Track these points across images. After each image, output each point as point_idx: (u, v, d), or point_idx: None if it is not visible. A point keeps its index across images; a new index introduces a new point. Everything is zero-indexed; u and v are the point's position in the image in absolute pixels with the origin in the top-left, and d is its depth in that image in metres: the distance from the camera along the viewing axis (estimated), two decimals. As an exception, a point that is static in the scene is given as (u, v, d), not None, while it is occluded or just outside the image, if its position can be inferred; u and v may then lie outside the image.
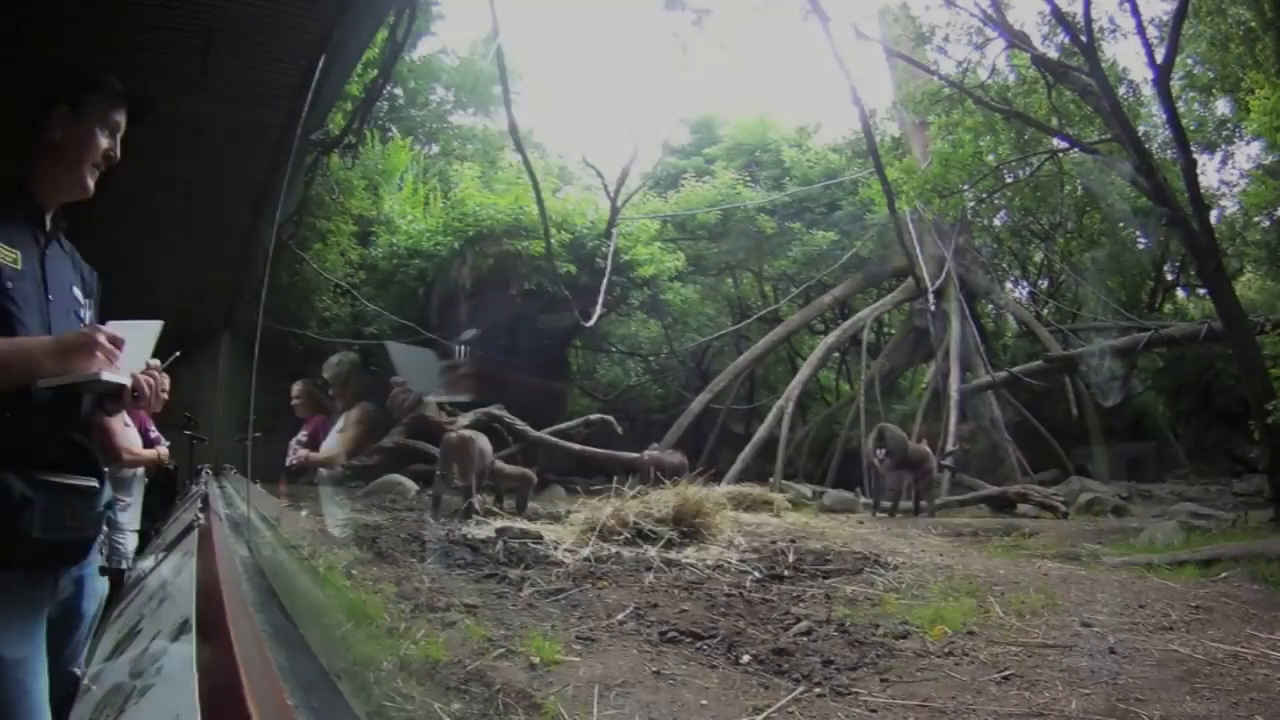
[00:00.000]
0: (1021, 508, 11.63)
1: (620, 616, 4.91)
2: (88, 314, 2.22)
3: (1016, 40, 12.15)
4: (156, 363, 2.08)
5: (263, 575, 3.08)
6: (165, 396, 2.08)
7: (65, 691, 2.10)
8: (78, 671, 2.16)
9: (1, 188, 2.13)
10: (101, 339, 1.88)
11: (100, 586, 2.16)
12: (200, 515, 3.40)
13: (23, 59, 4.75)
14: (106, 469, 2.09)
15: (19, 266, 2.00)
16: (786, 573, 6.33)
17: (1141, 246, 17.99)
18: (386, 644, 3.97)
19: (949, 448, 14.08)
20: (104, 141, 2.19)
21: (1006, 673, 3.89)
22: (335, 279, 16.90)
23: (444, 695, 3.42)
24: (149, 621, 2.20)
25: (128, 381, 1.98)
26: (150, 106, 2.34)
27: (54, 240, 2.18)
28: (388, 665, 3.63)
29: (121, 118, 2.26)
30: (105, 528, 2.21)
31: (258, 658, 1.70)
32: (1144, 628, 4.77)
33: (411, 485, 12.82)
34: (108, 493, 2.10)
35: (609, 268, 15.90)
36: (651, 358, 21.53)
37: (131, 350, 2.02)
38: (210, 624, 1.79)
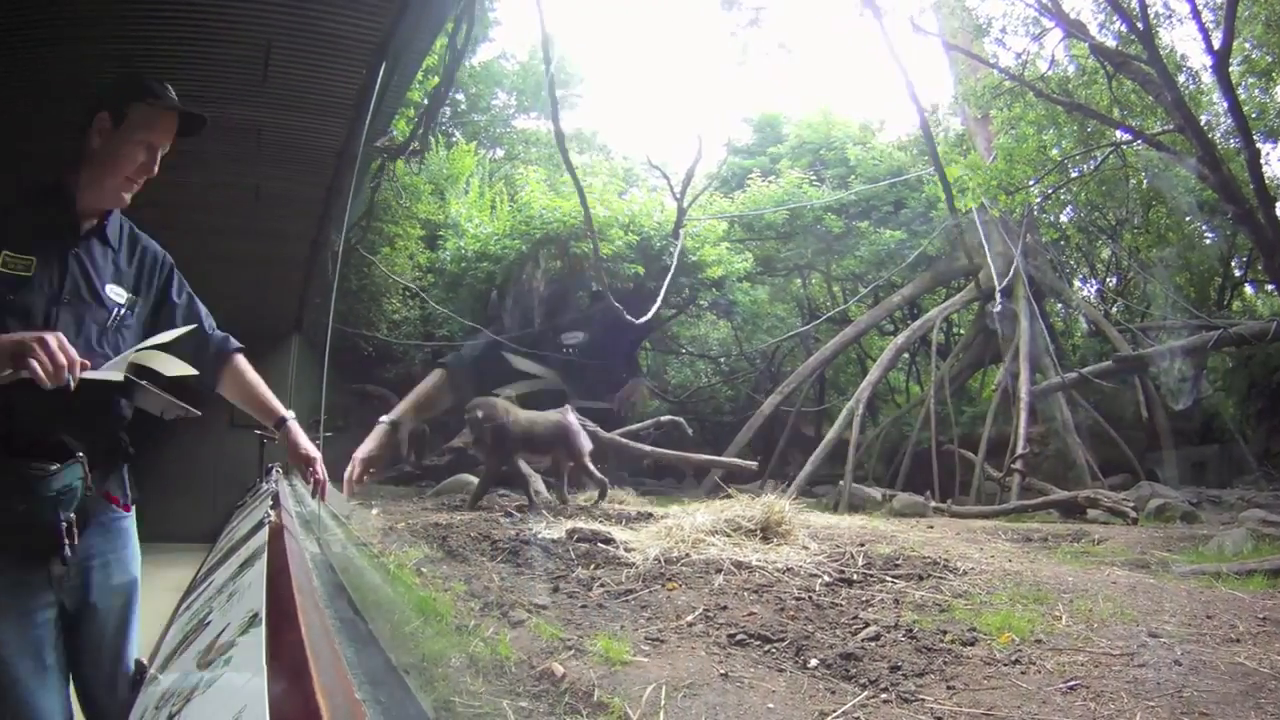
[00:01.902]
0: (1091, 513, 11.34)
1: (689, 618, 4.87)
2: (131, 311, 2.26)
3: (1074, 30, 11.76)
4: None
5: (332, 571, 3.10)
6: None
7: (131, 681, 2.14)
8: (143, 662, 2.19)
9: (36, 191, 2.18)
10: (37, 342, 1.81)
11: (122, 579, 2.18)
12: (270, 512, 3.44)
13: (82, 71, 4.93)
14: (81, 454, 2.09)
15: (30, 274, 2.04)
16: (856, 576, 6.23)
17: (1209, 241, 17.34)
18: (455, 641, 3.98)
19: (1019, 450, 13.75)
20: (142, 154, 2.20)
21: (1072, 682, 3.80)
22: (404, 282, 17.23)
23: (511, 693, 3.42)
24: (217, 614, 2.22)
25: (119, 378, 1.99)
26: (201, 124, 2.34)
27: (89, 243, 2.21)
28: (456, 662, 3.63)
29: (167, 131, 2.26)
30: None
31: (328, 651, 1.69)
32: (1211, 639, 4.60)
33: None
34: (69, 477, 2.08)
35: (673, 267, 15.87)
36: (721, 359, 21.47)
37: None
38: (280, 617, 1.78)
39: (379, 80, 5.59)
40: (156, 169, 2.25)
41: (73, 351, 1.85)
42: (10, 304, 2.00)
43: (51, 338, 1.81)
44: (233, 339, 2.56)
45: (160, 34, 4.98)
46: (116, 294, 2.24)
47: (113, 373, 1.99)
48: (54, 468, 2.05)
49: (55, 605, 2.09)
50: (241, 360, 2.57)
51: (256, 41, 5.13)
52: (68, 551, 2.03)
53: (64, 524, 2.04)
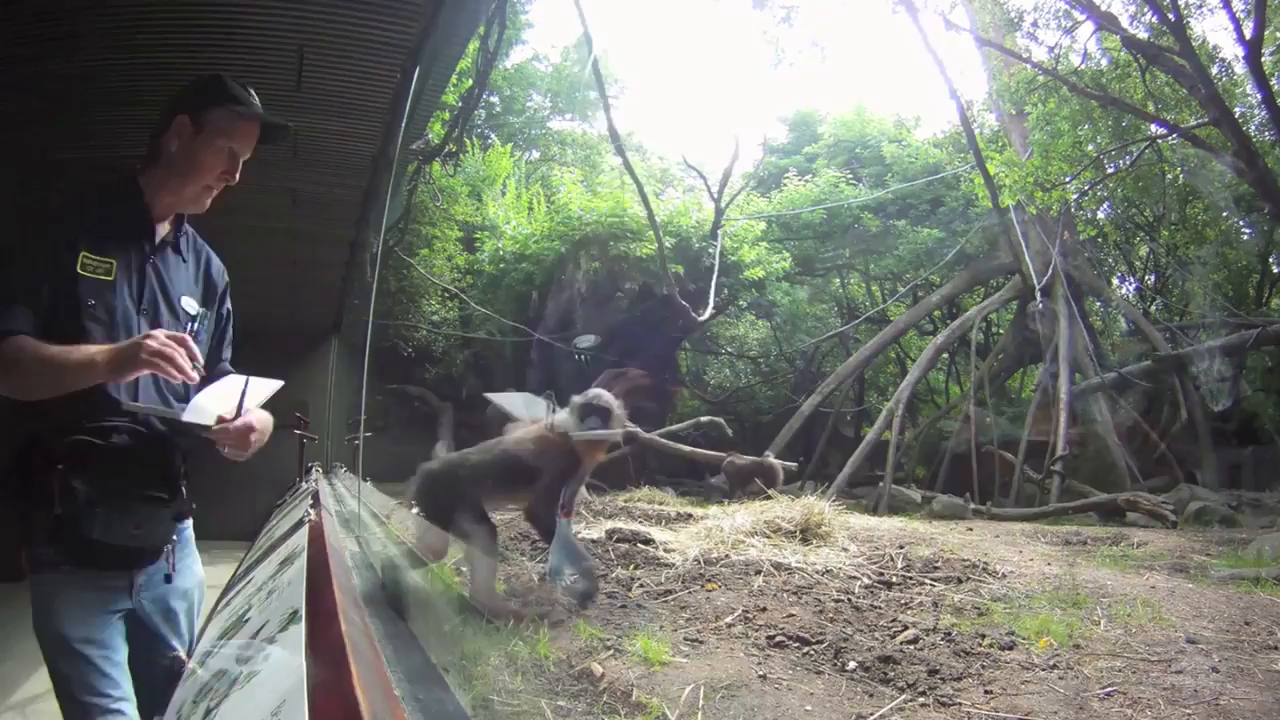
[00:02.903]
0: (1131, 515, 11.17)
1: (728, 619, 4.84)
2: (200, 324, 2.26)
3: (1105, 22, 11.55)
4: (241, 419, 2.08)
5: (372, 569, 3.13)
6: (252, 444, 2.11)
7: (171, 673, 2.17)
8: (181, 655, 2.23)
9: (112, 194, 2.15)
10: (153, 344, 1.85)
11: (189, 585, 2.24)
12: (310, 511, 3.47)
13: (119, 78, 5.03)
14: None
15: (111, 277, 2.03)
16: (895, 579, 6.17)
17: (1246, 237, 16.90)
18: (493, 640, 3.98)
19: (1059, 452, 13.55)
20: (224, 161, 2.17)
21: (1109, 689, 3.74)
22: (443, 283, 17.37)
23: (550, 692, 3.41)
24: (257, 611, 2.23)
25: (209, 422, 2.01)
26: (284, 132, 2.34)
27: (164, 251, 2.20)
28: (494, 660, 3.64)
29: (249, 137, 2.23)
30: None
31: (366, 648, 1.69)
32: (1249, 646, 4.48)
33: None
34: (179, 504, 2.18)
35: (716, 268, 15.83)
36: (761, 359, 21.39)
37: (227, 395, 2.07)
38: (320, 614, 1.78)
39: (413, 84, 5.63)
40: (238, 176, 2.23)
41: (192, 346, 1.91)
42: (92, 310, 1.99)
43: (154, 339, 1.86)
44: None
45: (195, 41, 5.07)
46: (190, 306, 2.25)
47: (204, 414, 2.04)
48: (162, 495, 2.14)
49: (127, 609, 2.15)
50: None
51: (290, 47, 5.19)
52: (168, 571, 2.16)
53: (166, 550, 2.16)
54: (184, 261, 2.25)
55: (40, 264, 1.96)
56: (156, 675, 2.18)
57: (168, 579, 2.22)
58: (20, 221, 2.08)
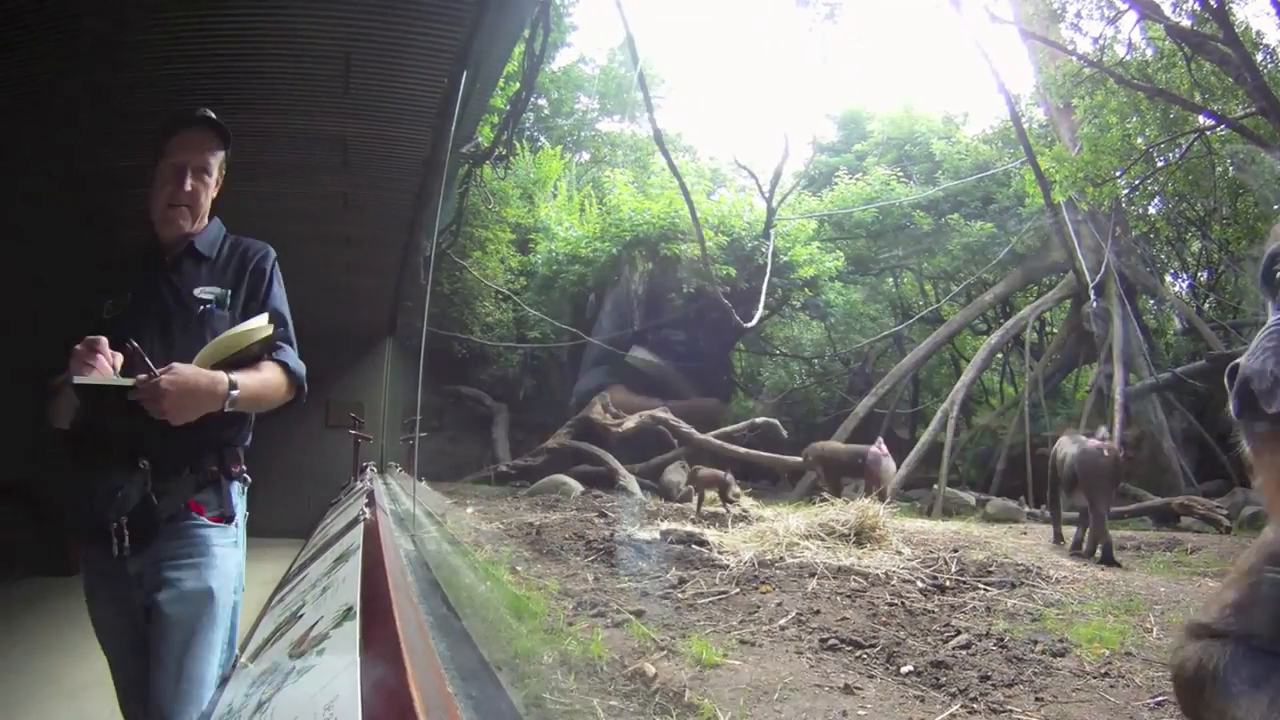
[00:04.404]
0: (1185, 520, 10.91)
1: (782, 622, 4.83)
2: (214, 305, 2.34)
3: (1148, 11, 11.19)
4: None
5: (427, 568, 3.15)
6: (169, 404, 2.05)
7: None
8: (235, 652, 2.25)
9: (132, 232, 2.40)
10: (79, 347, 2.01)
11: (194, 587, 2.20)
12: (366, 510, 3.51)
13: (170, 88, 5.15)
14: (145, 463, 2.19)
15: (123, 309, 2.28)
16: (948, 583, 6.11)
17: None
18: (547, 639, 4.00)
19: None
20: (171, 179, 2.32)
21: (1160, 698, 3.68)
22: (496, 285, 17.51)
23: (602, 692, 3.41)
24: (311, 607, 2.26)
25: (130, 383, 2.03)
26: (207, 122, 2.39)
27: (180, 263, 2.36)
28: (548, 659, 3.65)
29: (192, 147, 2.35)
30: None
31: (421, 645, 1.70)
32: None
33: (576, 485, 13.05)
34: (123, 482, 2.18)
35: (768, 269, 15.72)
36: (815, 360, 21.20)
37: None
38: (375, 611, 1.80)
39: (461, 87, 5.67)
40: (193, 184, 2.33)
41: (93, 341, 2.02)
42: (107, 323, 2.19)
43: (85, 342, 2.01)
44: (289, 355, 2.41)
45: (243, 49, 5.17)
46: (206, 293, 2.34)
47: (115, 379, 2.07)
48: (110, 473, 2.18)
49: (143, 599, 2.20)
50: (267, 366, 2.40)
51: (336, 54, 5.27)
52: (115, 550, 2.14)
53: (114, 525, 2.14)
54: (205, 260, 2.39)
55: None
56: (163, 686, 2.14)
57: (168, 574, 2.21)
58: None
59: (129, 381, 2.01)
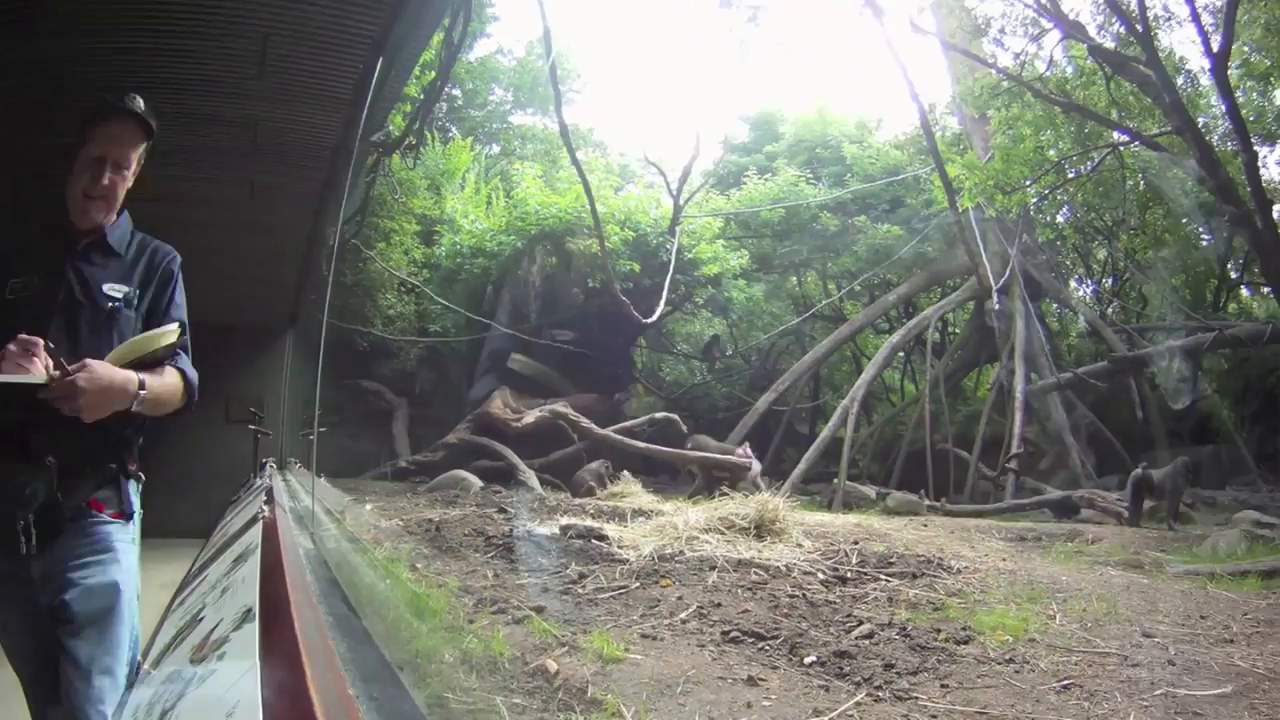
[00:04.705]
0: (1085, 513, 11.42)
1: (683, 615, 4.88)
2: (121, 304, 2.30)
3: (1072, 31, 11.78)
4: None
5: (326, 566, 3.10)
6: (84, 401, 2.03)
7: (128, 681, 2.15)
8: (138, 652, 2.19)
9: (41, 213, 2.32)
10: (12, 346, 1.97)
11: (100, 582, 2.16)
12: (264, 508, 3.43)
13: (83, 68, 4.92)
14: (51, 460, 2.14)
15: (27, 292, 2.18)
16: (850, 574, 6.25)
17: (1205, 243, 17.36)
18: (449, 637, 3.98)
19: (1014, 449, 13.81)
20: (90, 168, 2.26)
21: (1066, 682, 3.85)
22: (400, 276, 17.20)
23: (505, 689, 3.42)
24: (211, 610, 2.22)
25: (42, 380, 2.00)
26: (137, 117, 2.31)
27: (88, 253, 2.29)
28: (450, 658, 3.63)
29: (116, 137, 2.28)
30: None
31: (320, 647, 1.69)
32: (1205, 639, 4.66)
33: (476, 481, 12.92)
34: (26, 480, 2.13)
35: (672, 266, 15.85)
36: (717, 356, 21.46)
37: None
38: (274, 613, 1.78)
39: (375, 75, 5.58)
40: (112, 177, 2.27)
41: (25, 340, 1.97)
42: (12, 327, 2.05)
43: (14, 344, 1.96)
44: (187, 363, 2.41)
45: (158, 29, 4.97)
46: (113, 290, 2.29)
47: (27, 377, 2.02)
48: (16, 470, 2.11)
49: (48, 600, 2.13)
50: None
51: (253, 36, 5.12)
52: (22, 549, 2.08)
53: (20, 524, 2.09)
54: (114, 255, 2.33)
55: None
56: (78, 685, 2.10)
57: (73, 573, 2.16)
58: None
59: (41, 378, 1.96)
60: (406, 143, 12.96)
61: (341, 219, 9.44)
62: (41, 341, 1.99)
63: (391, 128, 11.76)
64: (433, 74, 12.36)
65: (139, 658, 2.23)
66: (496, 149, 23.53)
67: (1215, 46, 9.25)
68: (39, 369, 1.97)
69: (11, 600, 2.12)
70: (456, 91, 21.78)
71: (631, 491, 11.68)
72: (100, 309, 2.25)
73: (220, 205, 7.41)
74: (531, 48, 22.99)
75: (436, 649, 3.72)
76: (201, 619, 2.21)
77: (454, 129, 21.80)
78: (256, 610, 1.78)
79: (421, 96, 12.52)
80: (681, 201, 16.82)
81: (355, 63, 5.48)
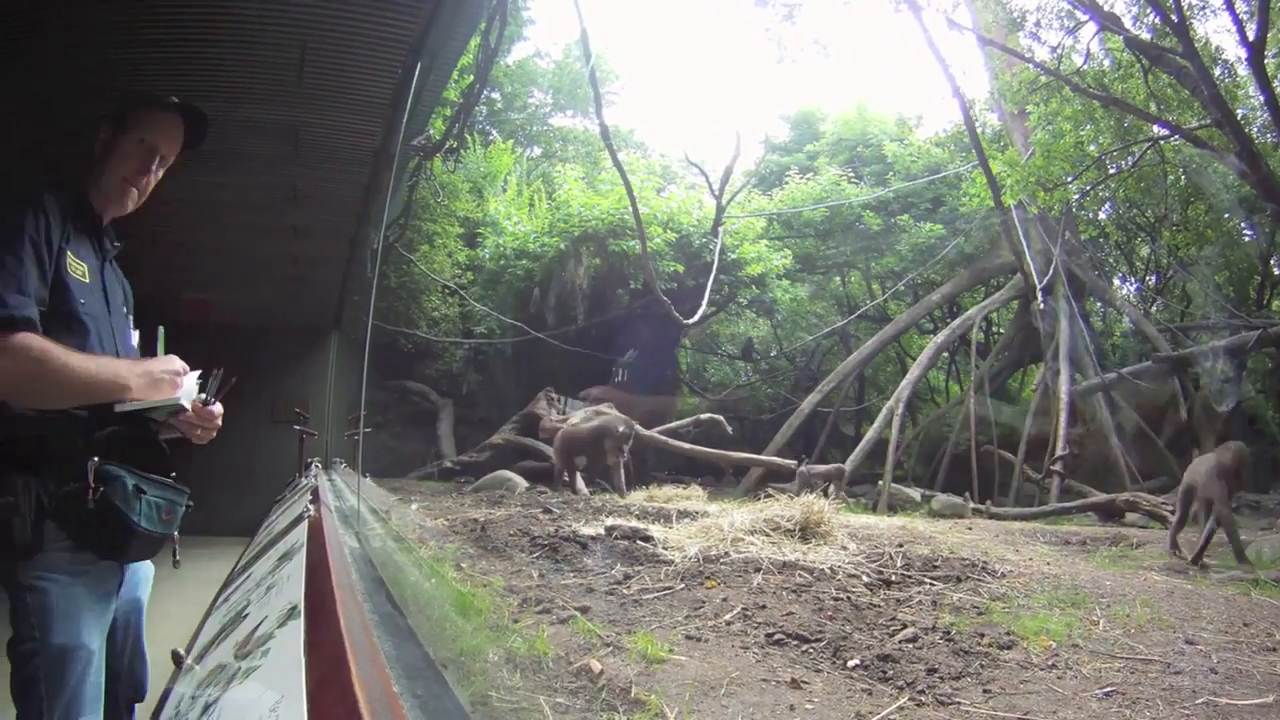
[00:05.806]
0: (1130, 516, 11.23)
1: (727, 617, 4.85)
2: (131, 329, 2.29)
3: (1108, 23, 11.50)
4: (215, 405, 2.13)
5: (371, 565, 3.11)
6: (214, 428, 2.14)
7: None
8: (180, 652, 2.21)
9: (73, 204, 2.14)
10: (180, 369, 2.03)
11: (129, 596, 2.20)
12: (310, 507, 3.46)
13: (121, 74, 5.02)
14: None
15: (87, 280, 2.05)
16: (894, 577, 6.19)
17: (1248, 239, 16.89)
18: (493, 636, 3.99)
19: (1058, 452, 13.58)
20: (139, 152, 2.19)
21: (1108, 689, 3.78)
22: (443, 280, 17.37)
23: (549, 689, 3.41)
24: (255, 607, 2.23)
25: (188, 406, 2.05)
26: (202, 120, 2.31)
27: (110, 260, 2.24)
28: (494, 657, 3.64)
29: (166, 132, 2.25)
30: None
31: (365, 644, 1.68)
32: (1247, 647, 4.52)
33: (521, 481, 12.99)
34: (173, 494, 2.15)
35: (715, 266, 15.81)
36: (760, 358, 21.37)
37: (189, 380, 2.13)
38: (319, 610, 1.78)
39: (415, 79, 5.62)
40: (156, 171, 2.23)
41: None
42: (83, 307, 2.00)
43: (179, 365, 2.05)
44: None
45: (198, 35, 5.06)
46: (125, 311, 2.30)
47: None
48: (182, 484, 2.14)
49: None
50: None
51: (291, 44, 5.19)
52: (178, 558, 2.14)
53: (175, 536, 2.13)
54: (116, 274, 2.29)
55: (39, 257, 1.91)
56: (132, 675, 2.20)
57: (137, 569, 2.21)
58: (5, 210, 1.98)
59: (185, 403, 2.02)
60: (448, 146, 13.07)
61: (385, 222, 9.54)
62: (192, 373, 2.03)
63: (432, 131, 11.87)
64: (471, 78, 12.46)
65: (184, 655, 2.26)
66: (538, 151, 23.69)
67: (1251, 35, 8.97)
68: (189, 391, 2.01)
69: (100, 603, 2.05)
70: (496, 95, 21.98)
71: (676, 494, 11.68)
72: (127, 327, 2.26)
73: (264, 210, 7.53)
74: (569, 50, 23.13)
75: (480, 648, 3.73)
76: (246, 615, 2.23)
77: (495, 132, 21.98)
78: (302, 607, 1.79)
79: (461, 100, 12.63)
80: (724, 202, 16.78)
81: (393, 68, 5.53)
